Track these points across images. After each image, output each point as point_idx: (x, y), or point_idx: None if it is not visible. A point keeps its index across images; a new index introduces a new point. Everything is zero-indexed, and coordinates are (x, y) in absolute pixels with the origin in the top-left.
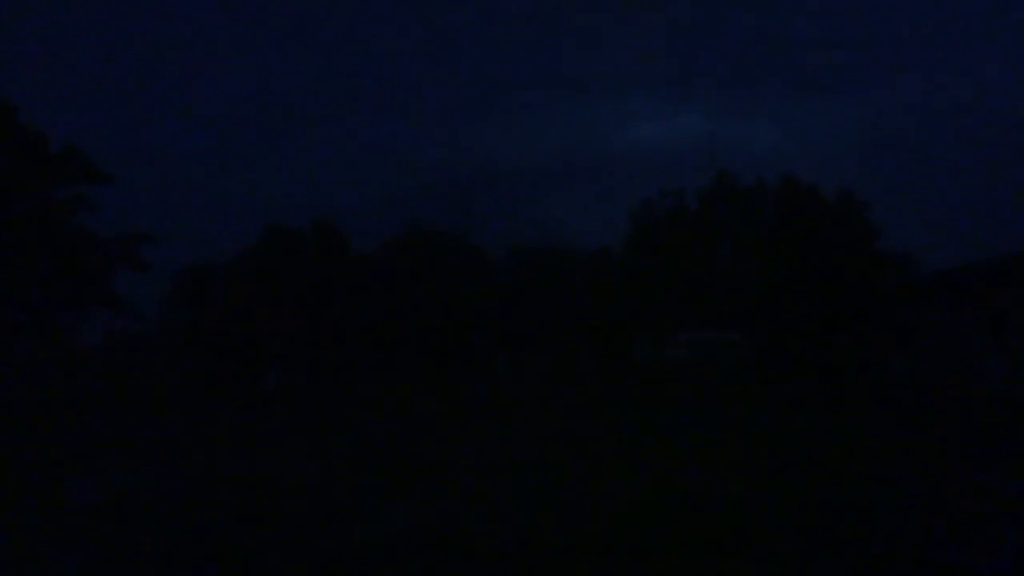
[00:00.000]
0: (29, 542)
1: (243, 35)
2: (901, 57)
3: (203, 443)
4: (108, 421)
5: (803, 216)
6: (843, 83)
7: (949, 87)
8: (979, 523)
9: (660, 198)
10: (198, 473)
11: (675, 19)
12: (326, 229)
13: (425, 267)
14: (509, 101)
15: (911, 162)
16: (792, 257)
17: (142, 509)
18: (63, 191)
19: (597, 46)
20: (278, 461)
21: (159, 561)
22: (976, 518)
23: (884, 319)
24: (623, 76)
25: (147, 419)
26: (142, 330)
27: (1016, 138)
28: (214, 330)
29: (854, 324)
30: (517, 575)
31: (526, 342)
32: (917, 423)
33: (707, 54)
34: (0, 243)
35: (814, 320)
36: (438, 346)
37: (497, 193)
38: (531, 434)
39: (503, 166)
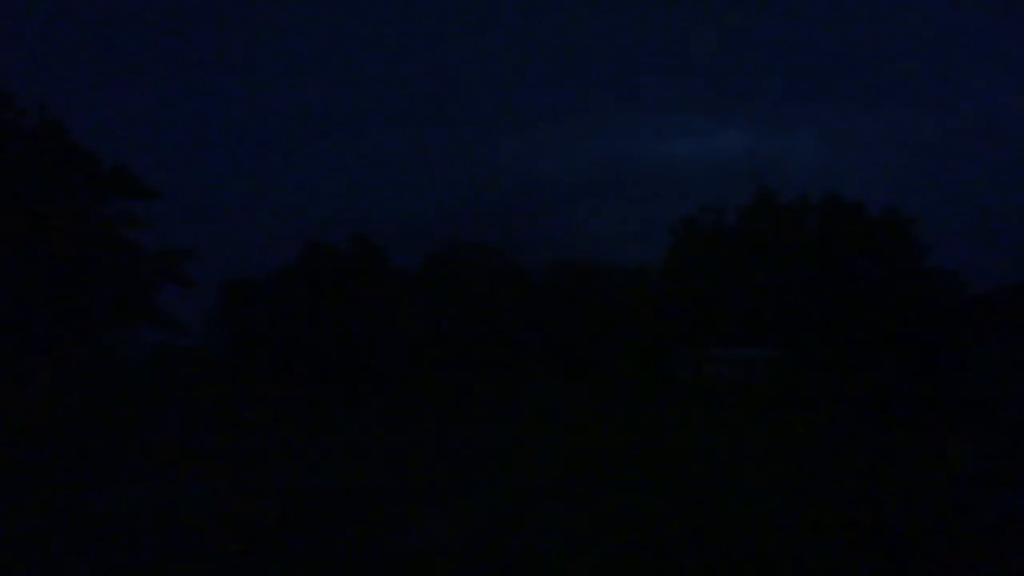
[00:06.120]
0: (65, 549)
1: (281, 49)
2: (949, 65)
3: (248, 455)
4: (152, 434)
5: (847, 234)
6: (890, 95)
7: (1000, 97)
8: None
9: (700, 214)
10: (240, 484)
11: (715, 33)
12: (365, 244)
13: (463, 282)
14: (547, 115)
15: (961, 175)
16: (836, 276)
17: (177, 520)
18: (110, 207)
19: (636, 60)
20: (322, 470)
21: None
22: None
23: (932, 339)
24: (663, 90)
25: (192, 431)
26: (187, 344)
27: None
28: (259, 343)
29: (901, 343)
30: None
31: (562, 356)
32: (970, 442)
33: (748, 68)
34: (50, 258)
35: (859, 340)
36: (473, 360)
37: (534, 206)
38: (560, 446)
39: (540, 180)
